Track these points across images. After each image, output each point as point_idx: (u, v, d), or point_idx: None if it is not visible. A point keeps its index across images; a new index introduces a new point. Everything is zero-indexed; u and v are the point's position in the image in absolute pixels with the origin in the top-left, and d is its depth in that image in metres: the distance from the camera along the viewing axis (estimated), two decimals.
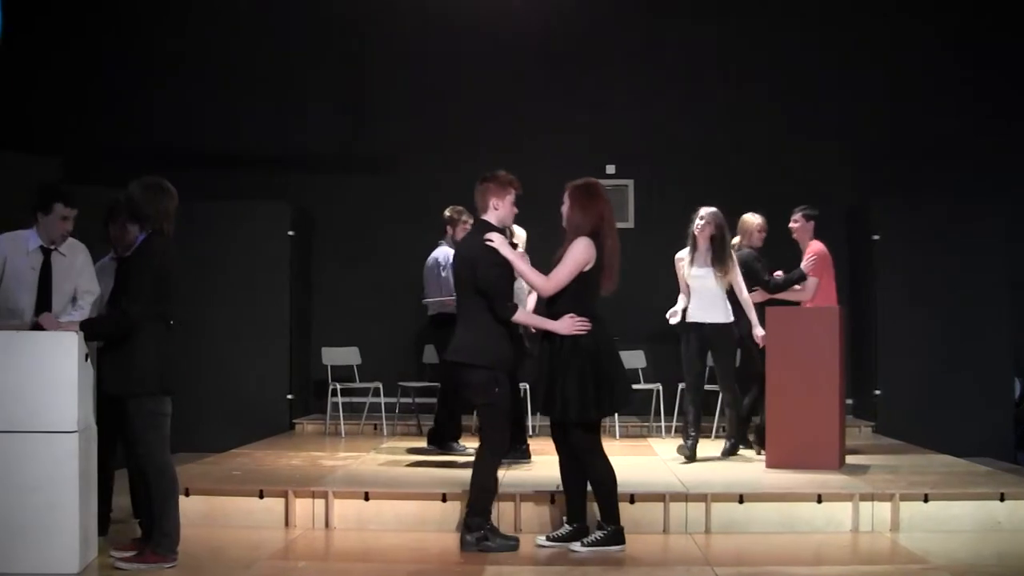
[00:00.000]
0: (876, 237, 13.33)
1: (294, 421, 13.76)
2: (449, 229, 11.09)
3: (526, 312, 7.81)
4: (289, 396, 13.79)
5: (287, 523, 8.61)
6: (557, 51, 14.58)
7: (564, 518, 8.06)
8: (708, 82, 14.42)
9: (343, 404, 13.12)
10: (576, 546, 7.74)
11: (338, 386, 13.12)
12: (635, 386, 12.69)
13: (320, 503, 8.64)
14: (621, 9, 14.53)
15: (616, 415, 12.67)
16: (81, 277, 8.11)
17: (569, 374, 7.53)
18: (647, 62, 14.47)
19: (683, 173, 14.30)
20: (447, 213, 11.11)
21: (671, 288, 14.05)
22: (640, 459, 10.96)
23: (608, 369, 7.69)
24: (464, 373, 7.81)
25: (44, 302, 7.90)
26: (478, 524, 7.74)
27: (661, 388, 12.88)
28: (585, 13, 14.52)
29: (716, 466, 10.33)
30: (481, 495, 7.78)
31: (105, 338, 7.21)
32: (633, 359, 13.17)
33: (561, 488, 8.07)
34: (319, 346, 14.01)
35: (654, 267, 14.01)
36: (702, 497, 8.45)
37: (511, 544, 7.81)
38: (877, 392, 13.14)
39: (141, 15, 14.64)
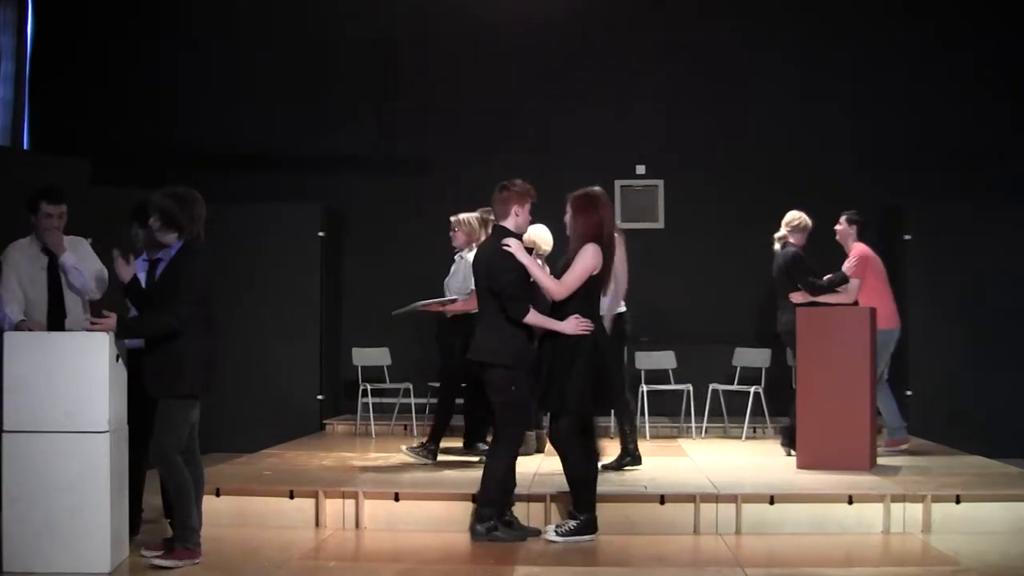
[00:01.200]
0: (907, 237, 13.27)
1: (324, 422, 13.79)
2: (483, 232, 11.04)
3: (536, 313, 7.99)
4: (320, 397, 13.82)
5: (317, 523, 8.64)
6: (586, 52, 14.55)
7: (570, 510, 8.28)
8: (738, 83, 14.36)
9: (373, 405, 13.13)
10: (551, 534, 8.08)
11: (368, 387, 13.14)
12: (665, 387, 12.77)
13: (350, 503, 8.66)
14: (652, 9, 14.49)
15: (647, 416, 12.65)
16: (85, 261, 8.24)
17: (571, 370, 7.86)
18: (677, 62, 14.42)
19: (713, 174, 14.27)
20: (480, 215, 11.09)
21: (700, 288, 14.06)
22: (671, 460, 10.92)
23: (606, 368, 8.05)
24: (488, 372, 8.08)
25: (56, 301, 7.98)
26: (488, 515, 8.06)
27: (691, 389, 12.83)
28: (615, 13, 14.49)
29: (747, 467, 10.31)
30: (492, 487, 8.08)
31: (151, 337, 7.26)
32: (663, 360, 13.14)
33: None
34: (349, 347, 14.02)
35: (683, 267, 14.04)
36: (732, 498, 8.43)
37: (521, 535, 8.11)
38: (908, 393, 13.07)
39: (172, 17, 14.69)
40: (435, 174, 14.42)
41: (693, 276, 14.18)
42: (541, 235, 10.32)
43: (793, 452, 10.34)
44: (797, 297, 10.81)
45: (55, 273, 8.09)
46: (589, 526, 8.04)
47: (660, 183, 14.59)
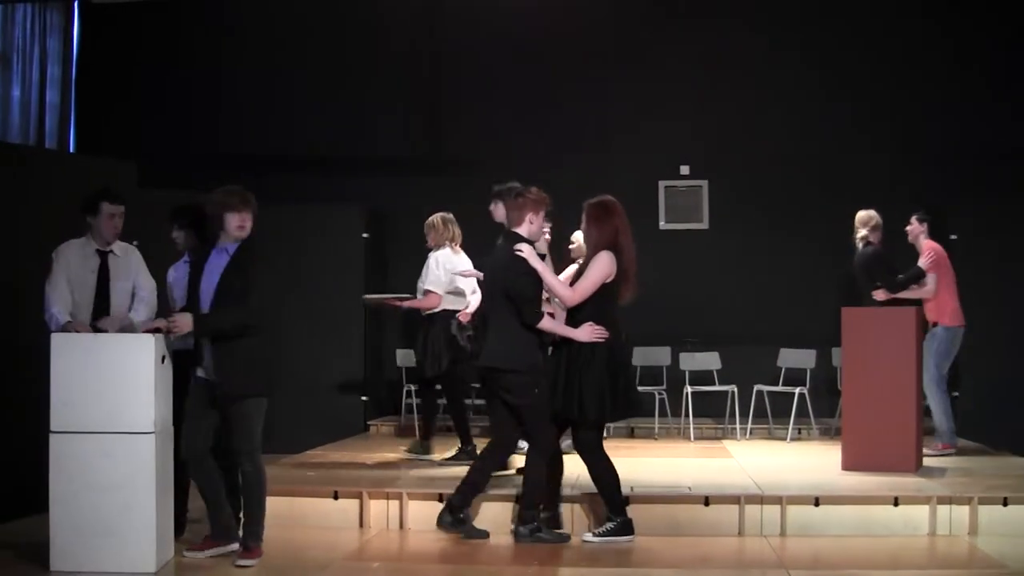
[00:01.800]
0: (953, 237, 13.15)
1: (369, 423, 13.82)
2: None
3: (550, 319, 8.09)
4: (364, 398, 13.86)
5: (362, 524, 8.69)
6: (630, 52, 14.53)
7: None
8: (781, 83, 14.30)
9: (417, 405, 13.13)
10: (588, 536, 8.17)
11: (412, 387, 13.14)
12: (710, 388, 12.73)
13: (395, 504, 8.70)
14: (695, 11, 14.46)
15: (691, 417, 12.62)
16: (139, 275, 8.27)
17: (587, 378, 7.89)
18: (721, 63, 14.37)
19: (757, 174, 14.22)
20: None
21: (744, 288, 14.01)
22: (715, 461, 10.90)
23: (621, 375, 8.10)
24: (501, 378, 8.09)
25: (103, 303, 8.02)
26: (531, 517, 8.13)
27: (736, 390, 12.76)
28: (660, 15, 14.47)
29: (791, 468, 10.26)
30: (534, 491, 8.14)
31: (229, 333, 7.35)
32: (708, 361, 13.10)
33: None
34: (393, 348, 14.06)
35: (728, 268, 14.00)
36: (777, 499, 8.40)
37: (564, 537, 8.23)
38: (955, 394, 12.96)
39: (217, 21, 14.78)
40: (478, 175, 14.33)
41: (737, 276, 14.12)
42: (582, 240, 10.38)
43: None
44: (879, 295, 10.97)
45: (105, 276, 8.13)
46: (626, 527, 8.11)
47: (704, 184, 14.55)
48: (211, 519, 7.65)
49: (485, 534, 8.32)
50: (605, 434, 12.32)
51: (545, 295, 8.39)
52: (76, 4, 15.00)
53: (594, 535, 8.11)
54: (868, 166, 13.93)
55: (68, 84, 14.98)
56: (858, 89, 14.18)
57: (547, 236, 10.93)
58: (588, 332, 7.89)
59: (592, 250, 8.11)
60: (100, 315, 7.99)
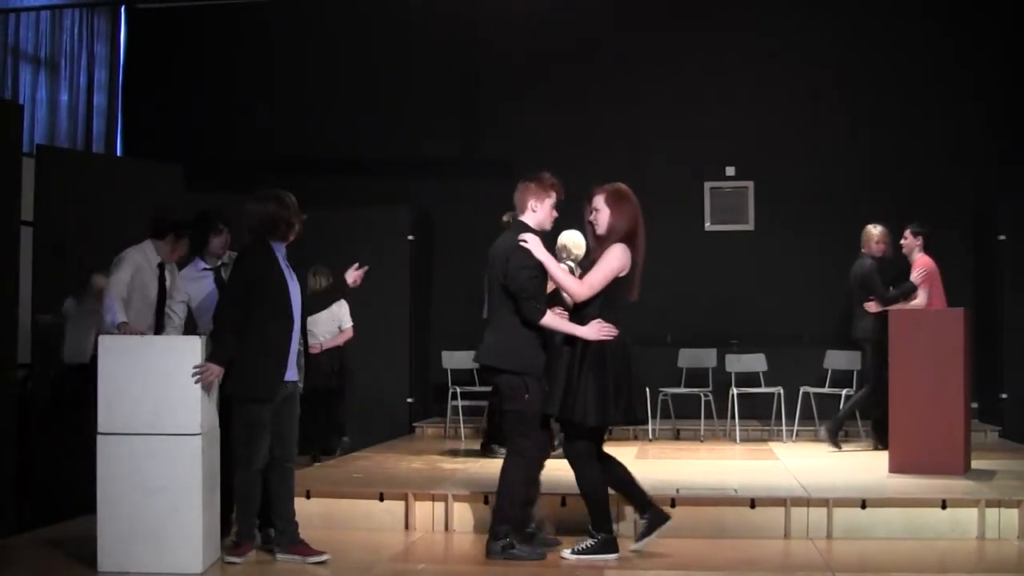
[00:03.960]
0: (1002, 238, 13.07)
1: (414, 424, 13.87)
2: None
3: (554, 316, 7.52)
4: (409, 399, 13.90)
5: (407, 526, 8.67)
6: (675, 53, 14.53)
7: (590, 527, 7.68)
8: (826, 83, 14.26)
9: (463, 407, 13.15)
10: (566, 553, 7.60)
11: (458, 389, 13.15)
12: (756, 390, 12.69)
13: (440, 506, 8.68)
14: (742, 12, 14.43)
15: (737, 419, 12.58)
16: (176, 287, 8.39)
17: (590, 379, 7.33)
18: (768, 64, 14.33)
19: (803, 175, 14.19)
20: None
21: (790, 290, 13.97)
22: (761, 463, 10.86)
23: (628, 377, 7.44)
24: (493, 377, 7.76)
25: (160, 317, 8.14)
26: (504, 532, 7.58)
27: (782, 391, 12.70)
28: (704, 15, 14.44)
29: (838, 470, 10.20)
30: (508, 503, 7.61)
31: (228, 351, 7.35)
32: (753, 362, 13.06)
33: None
34: (439, 349, 14.08)
35: (774, 269, 13.95)
36: (824, 502, 8.34)
37: (539, 554, 7.65)
38: (1003, 396, 12.88)
39: (263, 25, 14.85)
40: (523, 175, 14.39)
41: (783, 278, 14.08)
42: (574, 239, 10.23)
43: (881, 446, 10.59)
44: (872, 307, 11.37)
45: (163, 289, 8.24)
46: (608, 545, 7.56)
47: (750, 184, 14.52)
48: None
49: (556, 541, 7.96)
50: (650, 437, 12.49)
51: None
52: (123, 9, 15.14)
53: (572, 552, 7.58)
54: (915, 167, 13.87)
55: (115, 88, 15.13)
56: (907, 90, 14.13)
57: None
58: (596, 329, 7.31)
59: (609, 239, 7.48)
60: (157, 326, 8.11)
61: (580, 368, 7.37)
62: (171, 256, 8.34)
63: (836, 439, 11.57)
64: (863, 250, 11.60)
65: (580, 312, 7.53)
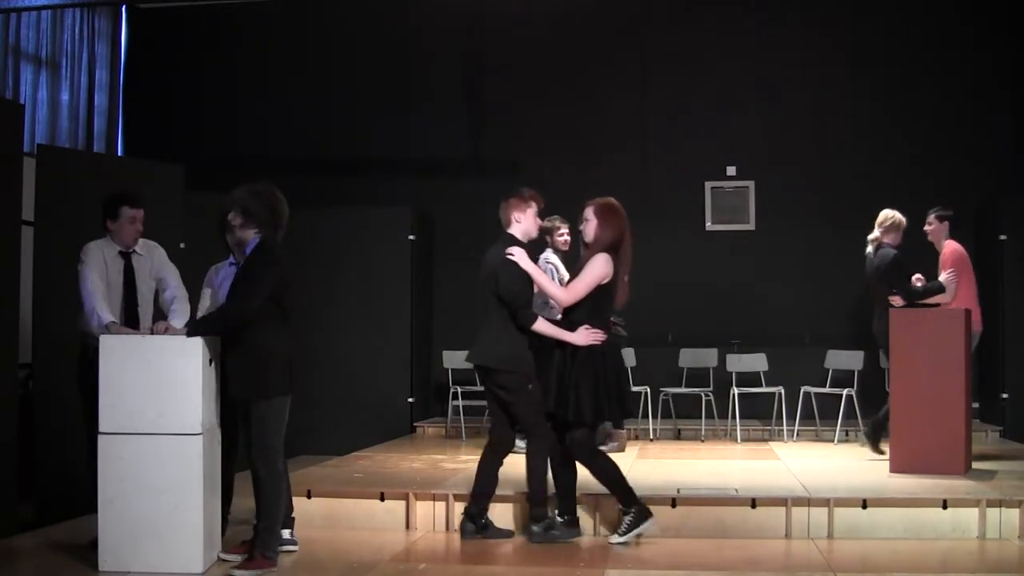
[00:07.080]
0: (1003, 237, 13.05)
1: (415, 424, 13.86)
2: (548, 238, 11.07)
3: (545, 321, 8.07)
4: (410, 399, 13.88)
5: (408, 525, 8.69)
6: (676, 53, 14.53)
7: (556, 512, 8.27)
8: (828, 82, 14.26)
9: (464, 407, 13.15)
10: (614, 538, 8.06)
11: (459, 389, 13.14)
12: (756, 389, 12.69)
13: (441, 506, 8.71)
14: (743, 12, 14.43)
15: (738, 418, 12.57)
16: (163, 271, 8.29)
17: (584, 380, 7.86)
18: (768, 64, 14.34)
19: (804, 175, 14.18)
20: (543, 223, 11.09)
21: (791, 290, 13.97)
22: (762, 463, 10.86)
23: (617, 378, 8.08)
24: (495, 377, 8.14)
25: (131, 304, 8.05)
26: (542, 515, 8.19)
27: (783, 391, 12.68)
28: (707, 15, 14.45)
29: (839, 470, 10.19)
30: (540, 487, 8.18)
31: (222, 332, 7.34)
32: (754, 362, 13.04)
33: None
34: (440, 349, 14.06)
35: (775, 269, 13.95)
36: (825, 502, 8.34)
37: (577, 533, 8.23)
38: (1004, 396, 12.87)
39: (263, 24, 14.86)
40: (524, 176, 14.37)
41: (784, 278, 14.08)
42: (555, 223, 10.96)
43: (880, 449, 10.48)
44: (897, 301, 10.40)
45: (131, 277, 8.13)
46: (642, 515, 8.04)
47: (751, 184, 14.50)
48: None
49: (510, 533, 8.37)
50: (651, 437, 12.50)
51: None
52: (124, 9, 15.13)
53: (620, 534, 8.03)
54: (917, 166, 13.85)
55: (116, 88, 15.12)
56: (908, 90, 14.12)
57: (566, 237, 11.06)
58: (584, 335, 7.89)
59: (595, 249, 8.04)
60: (130, 316, 8.01)
61: (571, 367, 7.91)
62: (129, 232, 8.08)
63: (878, 445, 10.70)
64: (885, 240, 10.70)
65: (569, 317, 8.09)
